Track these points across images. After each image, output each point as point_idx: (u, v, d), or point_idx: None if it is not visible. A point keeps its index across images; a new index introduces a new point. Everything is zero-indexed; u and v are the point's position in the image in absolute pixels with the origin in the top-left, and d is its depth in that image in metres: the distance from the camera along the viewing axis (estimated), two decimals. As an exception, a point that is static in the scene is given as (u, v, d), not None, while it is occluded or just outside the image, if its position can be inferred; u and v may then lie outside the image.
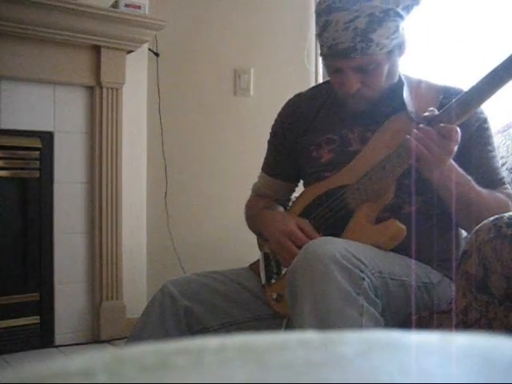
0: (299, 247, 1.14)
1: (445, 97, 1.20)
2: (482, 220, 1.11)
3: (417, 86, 1.27)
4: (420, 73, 1.41)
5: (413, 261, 1.15)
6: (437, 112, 1.10)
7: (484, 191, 1.17)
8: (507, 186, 1.26)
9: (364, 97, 1.21)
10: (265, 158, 1.47)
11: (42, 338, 2.22)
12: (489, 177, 1.22)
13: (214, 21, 2.64)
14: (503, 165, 1.50)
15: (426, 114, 1.11)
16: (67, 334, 2.27)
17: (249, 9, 2.64)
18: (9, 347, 2.12)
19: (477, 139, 1.22)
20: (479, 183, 1.17)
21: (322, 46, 1.19)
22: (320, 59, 2.34)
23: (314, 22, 1.24)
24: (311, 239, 1.17)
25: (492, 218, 0.96)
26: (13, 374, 0.22)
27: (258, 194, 1.48)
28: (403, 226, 1.13)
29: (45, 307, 2.24)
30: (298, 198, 1.40)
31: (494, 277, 0.92)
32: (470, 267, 0.95)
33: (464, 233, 1.48)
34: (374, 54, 1.15)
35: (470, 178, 1.15)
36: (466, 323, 0.95)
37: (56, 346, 2.23)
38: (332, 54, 1.17)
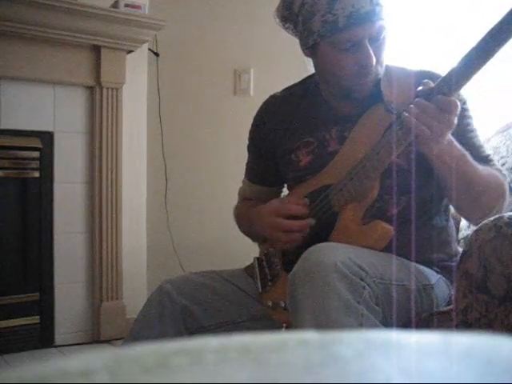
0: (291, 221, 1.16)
1: (421, 80, 1.14)
2: (482, 198, 1.09)
3: (394, 75, 1.22)
4: (396, 61, 1.35)
5: (412, 263, 1.15)
6: (432, 84, 1.05)
7: (480, 166, 1.14)
8: (495, 162, 1.23)
9: (374, 74, 1.17)
10: (246, 165, 1.45)
11: (42, 338, 2.22)
12: (476, 155, 1.18)
13: (214, 21, 2.64)
14: (503, 165, 1.50)
15: (421, 88, 1.06)
16: (67, 334, 2.27)
17: (248, 9, 2.64)
18: (9, 347, 2.12)
19: (458, 121, 1.18)
20: None
21: (334, 21, 1.11)
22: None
23: (300, 11, 1.17)
24: (298, 208, 1.19)
25: (492, 218, 0.96)
26: (13, 374, 0.22)
27: (244, 199, 1.47)
28: (389, 226, 1.12)
29: (45, 307, 2.24)
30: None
31: (494, 277, 0.92)
32: (470, 267, 0.95)
33: (460, 232, 1.48)
34: (384, 21, 1.13)
35: (466, 152, 1.11)
36: (466, 323, 0.95)
37: (56, 346, 2.23)
38: (353, 23, 1.11)
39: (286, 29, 1.24)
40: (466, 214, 1.26)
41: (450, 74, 1.02)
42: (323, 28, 1.13)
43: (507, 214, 0.95)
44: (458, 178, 1.10)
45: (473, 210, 1.20)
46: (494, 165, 1.22)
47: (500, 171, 1.21)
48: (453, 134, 1.12)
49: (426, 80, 1.07)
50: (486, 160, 1.21)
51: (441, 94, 1.02)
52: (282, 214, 1.19)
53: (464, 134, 1.19)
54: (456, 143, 1.10)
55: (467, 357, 0.25)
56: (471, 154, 1.16)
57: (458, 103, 1.03)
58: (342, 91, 1.21)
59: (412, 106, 1.04)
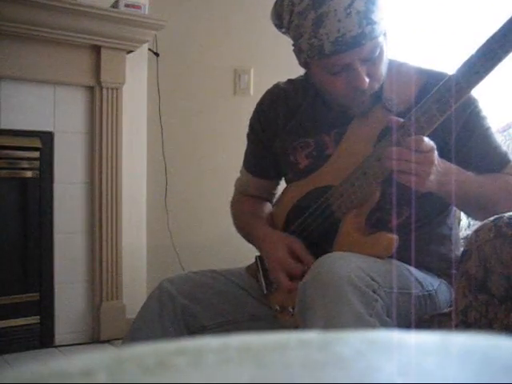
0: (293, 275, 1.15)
1: (428, 82, 1.10)
2: (495, 209, 1.06)
3: (396, 70, 1.17)
4: (402, 57, 1.29)
5: (416, 270, 1.14)
6: (401, 120, 1.02)
7: (488, 180, 1.11)
8: None
9: (370, 92, 1.13)
10: (245, 153, 1.41)
11: (42, 338, 2.22)
12: (493, 159, 1.16)
13: (214, 21, 2.64)
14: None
15: (392, 124, 1.03)
16: (67, 334, 2.27)
17: (249, 8, 2.64)
18: (9, 347, 2.12)
19: (473, 125, 1.15)
20: (485, 169, 1.12)
21: (320, 46, 1.06)
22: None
23: (289, 26, 1.12)
24: (305, 264, 1.15)
25: (492, 218, 0.96)
26: (13, 374, 0.22)
27: (241, 192, 1.44)
28: (394, 236, 1.09)
29: (45, 307, 2.24)
30: (280, 196, 1.36)
31: (494, 277, 0.92)
32: (470, 267, 0.95)
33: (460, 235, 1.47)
34: (378, 38, 1.07)
35: (469, 173, 1.09)
36: (466, 323, 0.95)
37: (56, 346, 2.23)
38: (340, 49, 1.04)
39: (283, 33, 1.21)
40: (478, 220, 1.25)
41: (448, 83, 0.99)
42: (310, 51, 1.09)
43: (507, 214, 0.95)
44: (463, 200, 1.10)
45: (484, 218, 1.19)
46: None
47: None
48: (467, 142, 1.12)
49: (395, 118, 1.04)
50: (504, 163, 1.18)
51: (407, 135, 0.99)
52: (286, 269, 1.17)
53: (482, 140, 1.17)
54: (453, 167, 1.07)
55: (467, 357, 0.25)
56: (489, 160, 1.15)
57: (425, 139, 0.99)
58: (339, 107, 1.19)
59: (387, 156, 1.00)
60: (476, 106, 1.17)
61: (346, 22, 1.03)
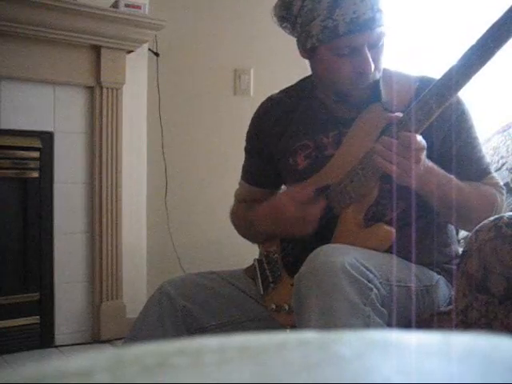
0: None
1: (420, 86, 1.15)
2: (472, 217, 1.10)
3: (392, 77, 1.23)
4: (395, 65, 1.35)
5: (413, 264, 1.15)
6: (401, 115, 1.06)
7: (468, 188, 1.15)
8: (493, 174, 1.24)
9: (372, 79, 1.17)
10: (243, 166, 1.44)
11: (42, 338, 2.22)
12: (473, 168, 1.20)
13: (214, 21, 2.64)
14: (503, 165, 1.50)
15: (391, 120, 1.07)
16: (67, 334, 2.27)
17: (249, 9, 2.64)
18: (9, 347, 2.12)
19: (457, 132, 1.19)
20: (464, 176, 1.15)
21: (335, 26, 1.11)
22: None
23: (299, 13, 1.16)
24: (307, 193, 1.18)
25: (492, 218, 0.96)
26: (13, 374, 0.22)
27: (240, 201, 1.45)
28: (391, 228, 1.12)
29: (45, 307, 2.24)
30: None
31: (494, 277, 0.92)
32: (470, 267, 0.95)
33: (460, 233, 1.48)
34: (384, 26, 1.13)
35: (451, 176, 1.12)
36: (466, 323, 0.95)
37: (56, 346, 2.23)
38: (353, 30, 1.10)
39: (284, 28, 1.23)
40: (457, 227, 1.31)
41: (445, 77, 1.02)
42: (322, 33, 1.13)
43: (507, 214, 0.95)
44: (444, 203, 1.12)
45: (462, 226, 1.25)
46: (491, 178, 1.22)
47: (496, 185, 1.22)
48: (451, 148, 1.15)
49: (396, 113, 1.08)
50: (483, 174, 1.21)
51: (405, 130, 1.03)
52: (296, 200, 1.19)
53: (463, 148, 1.19)
54: (438, 170, 1.10)
55: (467, 357, 0.25)
56: (468, 168, 1.18)
57: (419, 138, 1.03)
58: (339, 95, 1.21)
59: (377, 144, 1.06)
60: (464, 112, 1.21)
61: (360, 5, 1.10)
